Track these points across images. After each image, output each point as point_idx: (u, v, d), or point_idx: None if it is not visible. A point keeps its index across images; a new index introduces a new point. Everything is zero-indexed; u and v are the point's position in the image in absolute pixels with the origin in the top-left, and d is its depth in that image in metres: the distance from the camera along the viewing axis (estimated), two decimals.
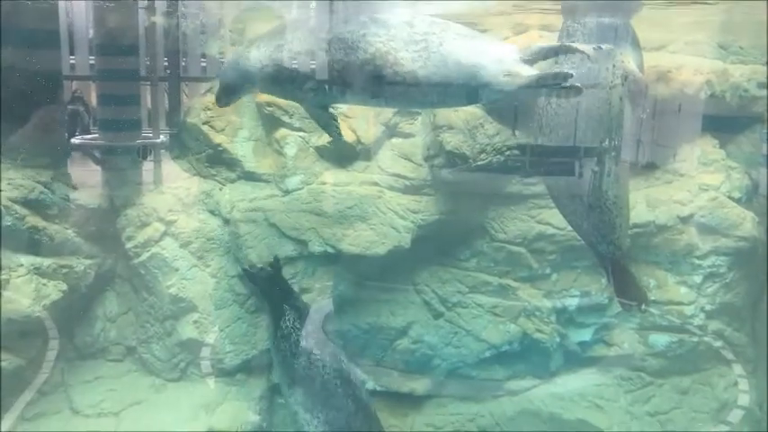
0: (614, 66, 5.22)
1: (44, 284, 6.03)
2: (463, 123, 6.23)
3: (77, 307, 6.36)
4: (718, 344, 6.56)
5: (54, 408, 6.08)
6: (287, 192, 6.48)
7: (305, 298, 6.26)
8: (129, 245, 6.38)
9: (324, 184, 6.42)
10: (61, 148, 6.36)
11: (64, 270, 6.18)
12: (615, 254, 5.50)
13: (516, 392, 6.36)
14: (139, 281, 6.43)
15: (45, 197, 6.13)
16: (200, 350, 6.29)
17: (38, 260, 6.06)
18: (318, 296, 6.24)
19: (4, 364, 5.83)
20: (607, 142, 5.21)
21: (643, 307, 5.93)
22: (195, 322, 6.31)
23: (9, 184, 6.01)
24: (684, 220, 6.50)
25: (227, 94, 5.44)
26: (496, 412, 6.28)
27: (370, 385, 6.30)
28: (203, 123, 6.60)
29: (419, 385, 6.34)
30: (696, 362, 6.50)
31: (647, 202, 6.50)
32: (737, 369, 6.55)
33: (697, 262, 6.53)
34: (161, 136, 6.76)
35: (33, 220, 6.05)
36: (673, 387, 6.43)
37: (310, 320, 6.17)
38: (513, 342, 6.36)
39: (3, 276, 5.88)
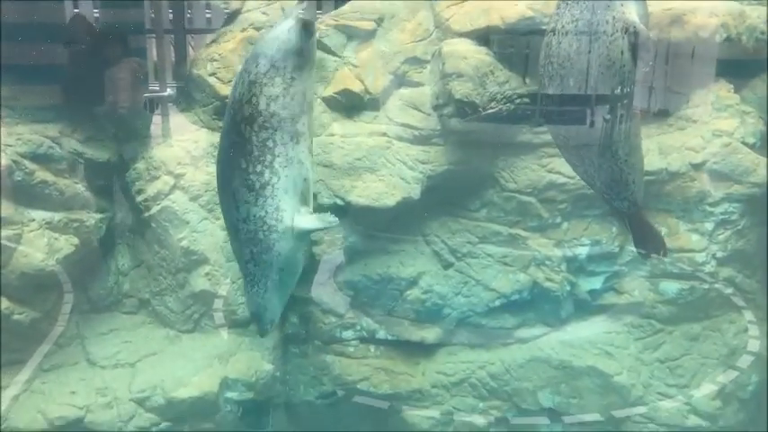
0: (614, 18, 5.12)
1: (56, 239, 6.09)
2: (473, 71, 6.15)
3: (90, 261, 6.41)
4: (729, 291, 6.56)
5: (71, 359, 6.20)
6: None
7: (315, 250, 6.33)
8: (139, 198, 6.39)
9: (332, 135, 6.37)
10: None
11: (75, 224, 6.23)
12: (631, 209, 5.47)
13: (526, 340, 6.40)
14: (151, 234, 6.45)
15: (53, 152, 6.15)
16: (213, 302, 6.36)
17: (49, 215, 6.11)
18: (329, 248, 6.27)
19: (20, 317, 5.95)
20: (619, 90, 5.14)
21: (661, 255, 5.93)
22: (207, 274, 6.36)
23: (18, 139, 6.03)
24: (697, 166, 6.43)
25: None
26: (506, 360, 6.33)
27: (381, 335, 6.38)
28: (210, 75, 6.54)
29: (430, 334, 6.39)
30: (707, 309, 6.50)
31: (659, 150, 6.43)
32: (748, 315, 6.56)
33: (709, 209, 6.47)
34: (168, 89, 6.73)
35: (43, 174, 6.08)
36: (683, 334, 6.45)
37: (320, 272, 6.25)
38: (522, 291, 6.37)
39: (15, 231, 5.96)
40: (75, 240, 6.21)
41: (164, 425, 5.94)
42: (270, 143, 4.97)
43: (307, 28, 5.13)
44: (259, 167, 4.94)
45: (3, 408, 5.81)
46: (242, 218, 5.00)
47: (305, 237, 5.30)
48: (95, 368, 6.17)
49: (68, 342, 6.27)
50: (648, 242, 5.86)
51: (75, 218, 6.26)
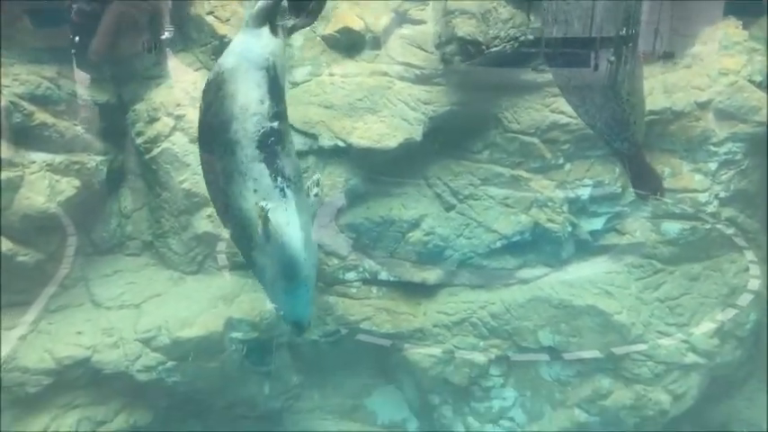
0: None
1: (57, 181, 6.08)
2: (476, 7, 6.00)
3: (92, 203, 6.40)
4: (731, 231, 6.57)
5: (76, 301, 6.26)
6: (295, 84, 6.36)
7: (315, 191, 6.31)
8: (139, 140, 6.35)
9: (332, 75, 6.29)
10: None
11: (76, 166, 6.21)
12: (630, 150, 5.43)
13: (527, 281, 6.43)
14: (152, 176, 6.44)
15: (52, 93, 6.08)
16: (216, 244, 6.39)
17: (49, 157, 6.08)
18: (330, 191, 6.25)
19: (24, 258, 5.97)
20: (624, 31, 5.03)
21: (658, 196, 5.92)
22: (209, 216, 6.35)
23: (15, 79, 5.96)
24: (702, 105, 6.35)
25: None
26: (507, 300, 6.38)
27: (383, 276, 6.41)
28: (207, 14, 6.41)
29: (431, 275, 6.42)
30: (708, 249, 6.52)
31: (664, 88, 6.34)
32: (749, 255, 6.58)
33: (713, 149, 6.43)
34: (166, 30, 6.61)
35: (42, 116, 6.02)
36: (683, 274, 6.49)
37: (322, 214, 6.24)
38: (524, 232, 6.38)
39: (16, 173, 5.94)
40: (77, 183, 6.19)
41: (170, 364, 6.02)
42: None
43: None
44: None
45: (10, 347, 5.91)
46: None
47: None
48: (100, 309, 6.23)
49: (73, 284, 6.32)
50: (647, 183, 5.84)
51: (75, 160, 6.23)
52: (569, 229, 6.46)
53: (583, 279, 6.47)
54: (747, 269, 6.57)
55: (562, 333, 6.35)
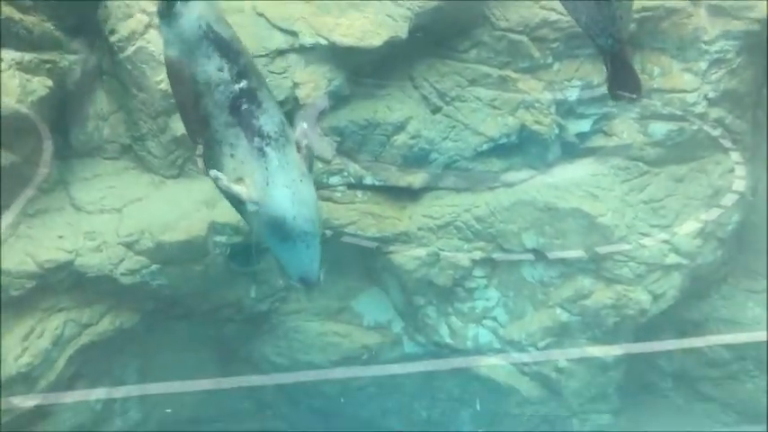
0: None
1: (29, 80, 5.83)
2: None
3: (67, 105, 6.21)
4: (718, 131, 6.53)
5: (56, 204, 6.14)
6: None
7: (299, 92, 6.10)
8: (112, 39, 6.08)
9: None
10: None
11: (47, 65, 5.95)
12: (615, 47, 5.28)
13: (512, 184, 6.40)
14: (128, 77, 6.19)
15: None
16: (196, 147, 6.24)
17: (18, 55, 5.80)
18: (313, 92, 6.09)
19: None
20: None
21: (635, 96, 5.80)
22: None
23: None
24: (695, 1, 6.20)
25: None
26: (492, 203, 6.36)
27: (368, 180, 6.34)
28: None
29: (417, 179, 6.36)
30: (694, 150, 6.49)
31: None
32: (735, 156, 6.57)
33: (704, 47, 6.32)
34: None
35: (8, 11, 5.73)
36: (669, 175, 6.48)
37: (304, 117, 6.11)
38: (510, 134, 6.30)
39: None
40: (49, 82, 5.94)
41: (154, 267, 6.00)
42: None
43: None
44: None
45: None
46: None
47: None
48: (81, 213, 6.14)
49: (52, 188, 6.17)
50: (626, 83, 5.70)
51: (47, 59, 5.96)
52: (556, 131, 6.39)
53: (568, 181, 6.44)
54: (732, 170, 6.57)
55: (546, 235, 6.37)
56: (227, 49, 4.80)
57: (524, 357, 6.40)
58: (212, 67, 4.75)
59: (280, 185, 4.68)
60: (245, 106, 4.72)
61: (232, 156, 4.68)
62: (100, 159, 6.45)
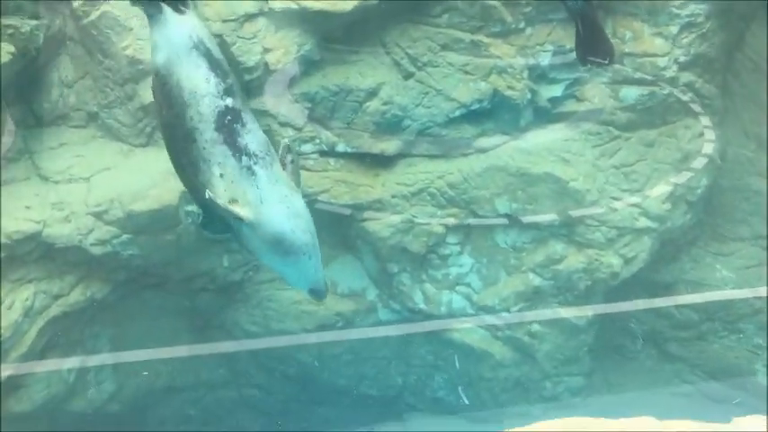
0: None
1: None
2: None
3: (31, 72, 6.05)
4: (688, 96, 6.57)
5: (22, 174, 6.02)
6: None
7: (269, 58, 6.06)
8: (76, 3, 5.95)
9: None
10: None
11: (9, 31, 5.77)
12: (584, 9, 5.25)
13: (485, 150, 6.40)
14: (93, 43, 6.07)
15: None
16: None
17: None
18: (283, 57, 6.01)
19: None
20: None
21: (606, 62, 5.79)
22: None
23: None
24: None
25: None
26: (465, 169, 6.36)
27: (341, 148, 6.30)
28: None
29: (390, 146, 6.33)
30: (664, 114, 6.54)
31: None
32: (705, 120, 6.62)
33: (675, 11, 6.35)
34: None
35: None
36: (639, 140, 6.52)
37: (275, 83, 6.03)
38: (483, 100, 6.28)
39: None
40: (11, 48, 5.77)
41: (124, 237, 5.92)
42: None
43: None
44: None
45: None
46: None
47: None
48: (48, 183, 6.02)
49: (17, 157, 6.05)
50: (597, 48, 5.68)
51: (7, 23, 5.78)
52: (528, 96, 6.39)
53: (540, 147, 6.46)
54: (702, 134, 6.63)
55: (519, 200, 6.40)
56: (216, 64, 4.82)
57: (498, 322, 6.50)
58: (200, 77, 4.72)
59: (273, 202, 4.69)
60: (231, 124, 4.70)
61: (222, 176, 4.64)
62: (66, 128, 6.33)
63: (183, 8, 4.89)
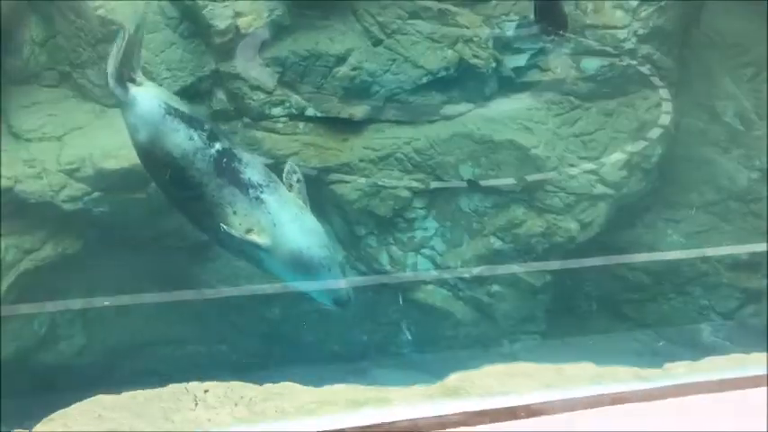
0: None
1: None
2: None
3: (1, 31, 6.03)
4: (646, 68, 6.81)
5: None
6: None
7: (240, 22, 6.10)
8: None
9: None
10: None
11: None
12: None
13: (451, 117, 6.57)
14: (64, 2, 6.10)
15: None
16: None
17: None
18: (254, 21, 6.09)
19: None
20: None
21: (562, 33, 5.99)
22: None
23: None
24: None
25: None
26: (431, 135, 6.52)
27: (310, 112, 6.42)
28: None
29: (358, 111, 6.46)
30: (623, 85, 6.76)
31: None
32: (661, 92, 6.87)
33: None
34: None
35: None
36: (599, 110, 6.74)
37: (246, 46, 6.13)
38: (449, 68, 6.44)
39: None
40: None
41: (96, 194, 6.01)
42: None
43: None
44: None
45: None
46: None
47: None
48: (20, 141, 6.08)
49: None
50: (553, 19, 5.88)
51: None
52: (493, 65, 6.55)
53: (503, 115, 6.65)
54: (659, 105, 6.88)
55: (482, 166, 6.59)
56: (190, 119, 5.07)
57: (459, 283, 6.74)
58: (183, 138, 4.96)
59: (286, 223, 4.96)
60: (229, 164, 4.95)
61: (235, 213, 4.89)
62: (38, 87, 6.37)
63: (137, 79, 5.19)
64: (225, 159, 4.99)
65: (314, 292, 5.21)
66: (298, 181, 5.25)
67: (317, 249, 5.03)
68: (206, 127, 5.12)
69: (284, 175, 5.22)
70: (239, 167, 5.01)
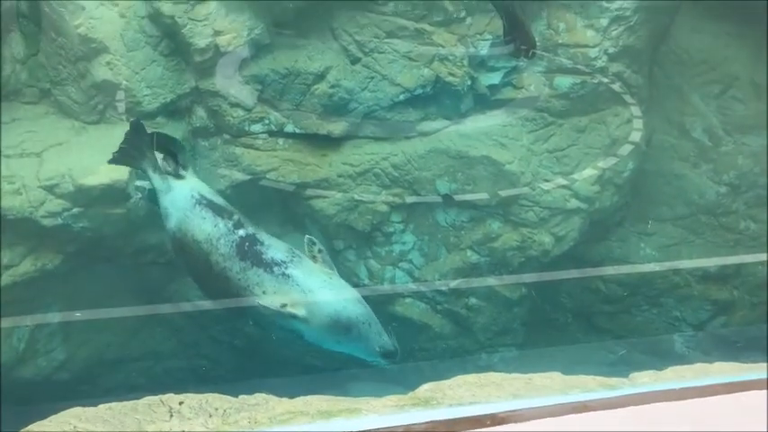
0: None
1: None
2: None
3: None
4: (617, 85, 6.97)
5: None
6: None
7: (219, 40, 6.23)
8: None
9: None
10: None
11: None
12: (507, 5, 5.57)
13: (427, 133, 6.70)
14: (45, 20, 6.16)
15: None
16: (116, 93, 6.27)
17: None
18: (233, 40, 6.17)
19: None
20: None
21: (531, 53, 6.13)
22: (108, 63, 6.22)
23: None
24: None
25: None
26: (408, 151, 6.64)
27: (289, 128, 6.52)
28: None
29: (336, 127, 6.56)
30: (595, 102, 6.92)
31: None
32: (632, 109, 7.03)
33: (605, 5, 6.73)
34: None
35: None
36: (571, 126, 6.90)
37: (226, 64, 6.21)
38: (426, 86, 6.57)
39: None
40: None
41: (75, 210, 6.02)
42: None
43: None
44: None
45: None
46: None
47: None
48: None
49: None
50: (520, 39, 6.00)
51: None
52: (468, 83, 6.69)
53: (479, 131, 6.78)
54: (629, 122, 7.04)
55: (458, 181, 6.72)
56: (219, 209, 5.40)
57: (437, 296, 6.83)
58: (209, 225, 5.28)
59: (317, 289, 5.17)
60: (251, 248, 5.19)
61: (264, 292, 5.08)
62: (18, 104, 6.41)
63: (182, 173, 5.58)
64: (247, 243, 5.24)
65: (361, 351, 5.30)
66: (320, 251, 5.48)
67: (353, 307, 5.22)
68: (234, 216, 5.38)
69: (305, 248, 5.44)
70: (262, 249, 5.24)
